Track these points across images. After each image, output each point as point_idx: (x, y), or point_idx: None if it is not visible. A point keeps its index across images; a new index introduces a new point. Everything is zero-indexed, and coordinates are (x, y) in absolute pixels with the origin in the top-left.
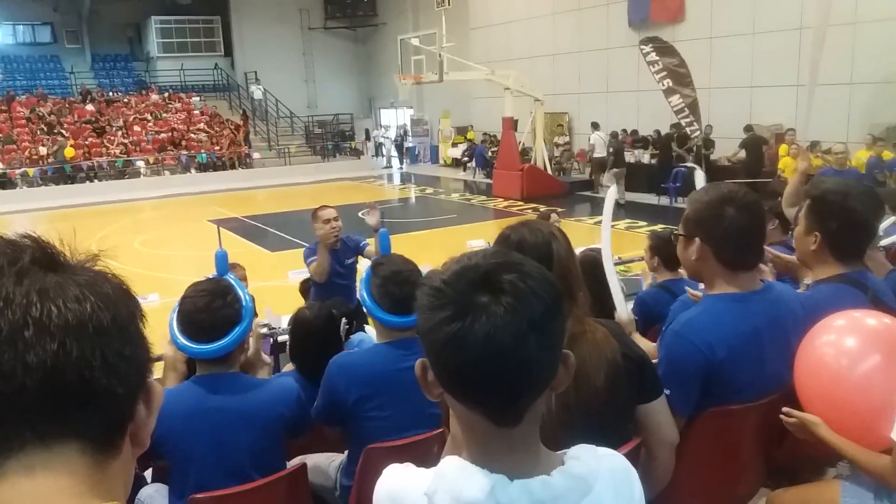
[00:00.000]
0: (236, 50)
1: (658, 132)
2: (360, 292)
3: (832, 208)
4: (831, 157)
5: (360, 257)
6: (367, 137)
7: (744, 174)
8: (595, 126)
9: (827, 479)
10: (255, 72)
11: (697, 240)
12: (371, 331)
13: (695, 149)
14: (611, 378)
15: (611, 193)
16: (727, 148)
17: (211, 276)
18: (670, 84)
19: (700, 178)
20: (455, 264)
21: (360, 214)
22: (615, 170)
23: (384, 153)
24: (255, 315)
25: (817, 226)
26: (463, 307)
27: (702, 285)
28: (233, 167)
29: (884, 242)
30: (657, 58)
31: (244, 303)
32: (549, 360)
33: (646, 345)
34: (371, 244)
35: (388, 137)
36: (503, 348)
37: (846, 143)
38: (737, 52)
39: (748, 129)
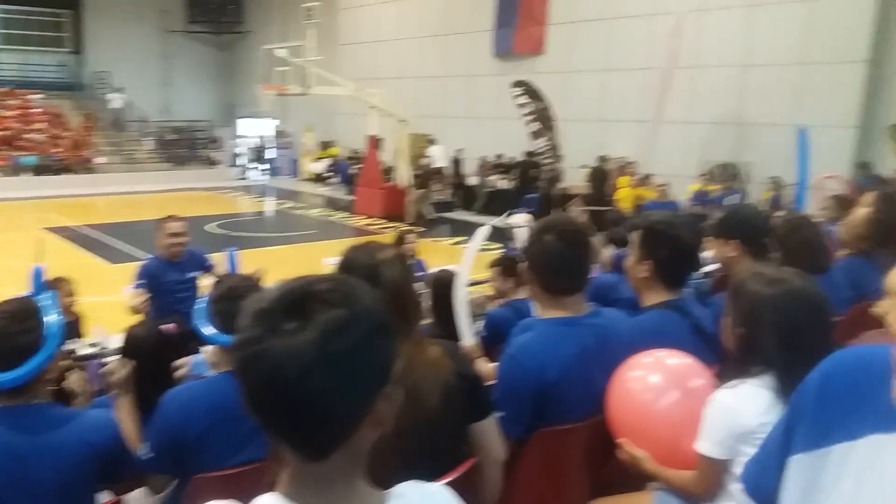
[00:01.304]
0: (88, 47)
1: (513, 159)
2: (200, 316)
3: (660, 238)
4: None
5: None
6: (223, 146)
7: (589, 203)
8: (431, 142)
9: (643, 490)
10: (108, 72)
11: (525, 266)
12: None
13: (547, 181)
14: (445, 398)
15: (482, 231)
16: (580, 177)
17: (24, 295)
18: (539, 127)
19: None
20: (280, 287)
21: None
22: (419, 191)
23: (242, 164)
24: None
25: (649, 255)
26: (267, 331)
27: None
28: (74, 171)
29: (706, 269)
30: (527, 100)
31: (47, 328)
32: (349, 400)
33: (489, 368)
34: (218, 265)
35: (247, 148)
36: (286, 380)
37: (669, 179)
38: (591, 86)
39: (601, 159)
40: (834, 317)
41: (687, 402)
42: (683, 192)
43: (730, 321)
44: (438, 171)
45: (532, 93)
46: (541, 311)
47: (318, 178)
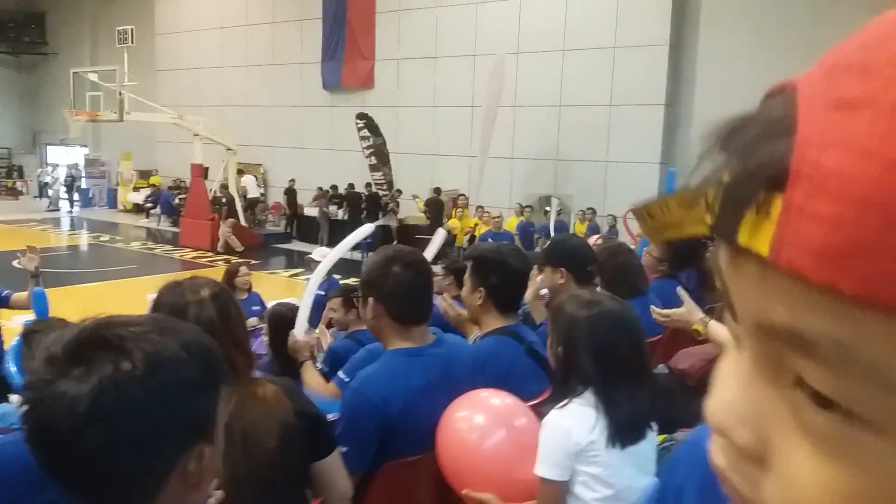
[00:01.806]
0: None
1: (352, 185)
2: (9, 366)
3: (490, 266)
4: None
5: None
6: (28, 176)
7: (426, 231)
8: (241, 171)
9: None
10: None
11: (371, 300)
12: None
13: (387, 212)
14: (283, 439)
15: (321, 266)
16: (412, 208)
17: None
18: (375, 161)
19: (439, 240)
20: (73, 330)
21: (14, 263)
22: (226, 220)
23: (49, 195)
24: None
25: (481, 282)
26: (46, 378)
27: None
28: None
29: (543, 292)
30: (368, 134)
31: None
32: (132, 461)
33: (318, 383)
34: (19, 295)
35: (55, 177)
36: (58, 436)
37: (501, 211)
38: (420, 120)
39: (436, 191)
40: (647, 336)
41: (514, 437)
42: (507, 224)
43: (552, 342)
44: (254, 200)
45: (372, 127)
46: (385, 344)
47: (139, 209)
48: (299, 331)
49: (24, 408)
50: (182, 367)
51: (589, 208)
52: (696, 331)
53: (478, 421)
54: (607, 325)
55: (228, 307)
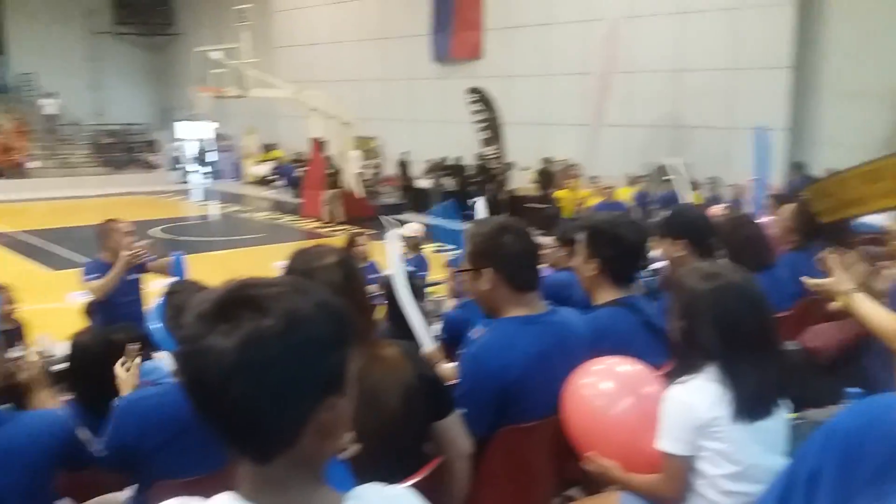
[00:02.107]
0: (12, 49)
1: (457, 160)
2: (153, 322)
3: (605, 237)
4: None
5: (145, 276)
6: (161, 150)
7: (538, 201)
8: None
9: (611, 489)
10: (34, 74)
11: (487, 270)
12: (159, 358)
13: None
14: (406, 400)
15: (391, 235)
16: (523, 179)
17: None
18: (489, 136)
19: (481, 208)
20: (219, 290)
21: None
22: (330, 192)
23: (183, 167)
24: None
25: (595, 253)
26: (197, 332)
27: None
28: (5, 176)
29: (653, 267)
30: (481, 108)
31: None
32: (272, 409)
33: (451, 369)
34: (156, 258)
35: (186, 151)
36: (209, 384)
37: (613, 181)
38: (530, 90)
39: (546, 161)
40: (774, 311)
41: (641, 406)
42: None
43: (672, 316)
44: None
45: (485, 101)
46: (500, 314)
47: (263, 181)
48: (426, 344)
49: (179, 360)
50: (316, 326)
51: (710, 178)
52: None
53: (605, 387)
54: (730, 298)
55: (353, 273)
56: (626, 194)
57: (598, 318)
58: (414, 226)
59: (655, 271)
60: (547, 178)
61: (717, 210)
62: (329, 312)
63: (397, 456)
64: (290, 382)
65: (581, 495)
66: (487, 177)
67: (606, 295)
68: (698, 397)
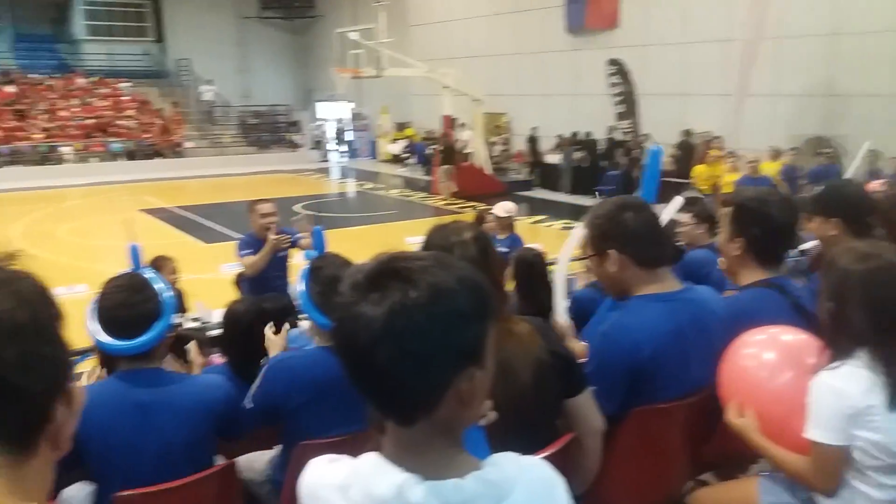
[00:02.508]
0: (168, 36)
1: (589, 134)
2: (299, 294)
3: (752, 215)
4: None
5: (292, 251)
6: (303, 129)
7: (675, 176)
8: (462, 125)
9: (747, 475)
10: (189, 59)
11: (612, 252)
12: (304, 327)
13: (634, 157)
14: (537, 375)
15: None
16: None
17: (127, 271)
18: (624, 109)
19: (674, 206)
20: (371, 261)
21: (292, 219)
22: (443, 167)
23: (323, 146)
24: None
25: (740, 232)
26: (351, 301)
27: None
28: (164, 156)
29: (803, 247)
30: (619, 80)
31: (163, 297)
32: (417, 376)
33: (580, 346)
34: (305, 237)
35: (325, 131)
36: (359, 349)
37: (758, 154)
38: (669, 60)
39: (686, 133)
40: None
41: (801, 380)
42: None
43: (822, 298)
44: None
45: (623, 73)
46: (632, 291)
47: (396, 159)
48: (560, 317)
49: (333, 326)
50: (458, 299)
51: (871, 150)
52: None
53: (767, 358)
54: (886, 280)
55: (487, 248)
56: (770, 168)
57: (740, 299)
58: (507, 205)
59: (804, 251)
60: (687, 151)
61: (875, 185)
62: (470, 287)
63: (528, 429)
64: (431, 350)
65: (715, 480)
66: (622, 152)
67: (751, 275)
68: (851, 384)
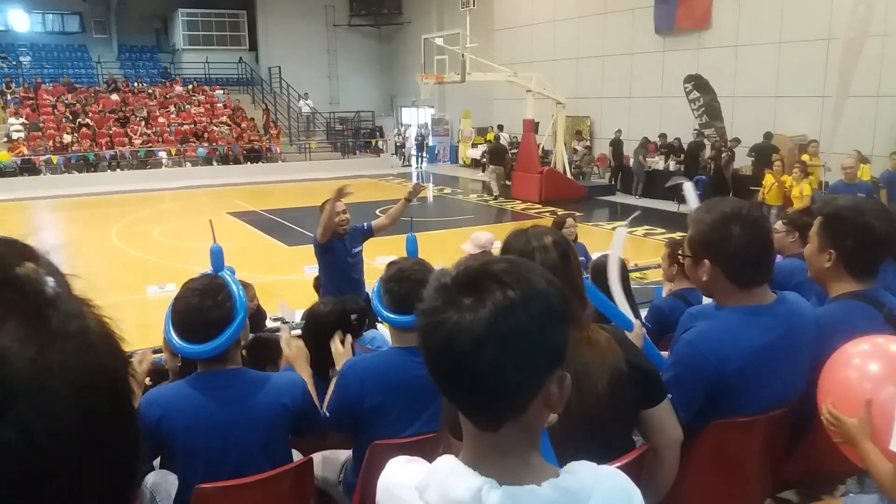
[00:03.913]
0: (261, 44)
1: (678, 139)
2: (376, 296)
3: (847, 226)
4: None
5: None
6: (385, 135)
7: (752, 182)
8: (500, 127)
9: (832, 497)
10: (279, 67)
11: (706, 261)
12: (382, 329)
13: (721, 160)
14: (613, 384)
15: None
16: (745, 156)
17: (206, 272)
18: (706, 119)
19: (690, 193)
20: (459, 265)
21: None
22: (492, 167)
23: (404, 152)
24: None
25: (832, 243)
26: (445, 304)
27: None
28: (254, 161)
29: None
30: (697, 95)
31: (237, 301)
32: (517, 377)
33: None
34: (374, 222)
35: (406, 136)
36: (458, 351)
37: (859, 154)
38: (762, 60)
39: (767, 136)
40: None
41: None
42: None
43: None
44: (505, 149)
45: (701, 86)
46: (722, 301)
47: (476, 164)
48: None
49: (424, 331)
50: (551, 299)
51: None
52: None
53: (873, 370)
54: None
55: (568, 253)
56: (863, 174)
57: (832, 311)
58: (480, 237)
59: None
60: (763, 154)
61: None
62: (557, 288)
63: (603, 439)
64: (531, 351)
65: (797, 499)
66: (710, 156)
67: (843, 287)
68: None
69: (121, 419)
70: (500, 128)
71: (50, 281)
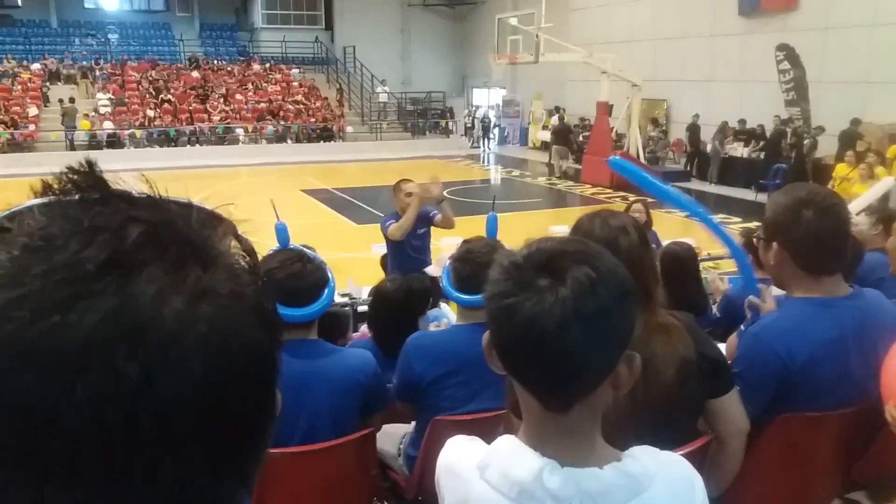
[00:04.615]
0: (336, 24)
1: (762, 126)
2: (444, 274)
3: None
4: None
5: (432, 228)
6: (456, 116)
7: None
8: (557, 109)
9: None
10: (354, 47)
11: (776, 244)
12: (446, 308)
13: (803, 147)
14: (682, 374)
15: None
16: (831, 145)
17: (276, 248)
18: (794, 97)
19: (880, 188)
20: (529, 245)
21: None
22: (556, 147)
23: (474, 133)
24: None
25: None
26: (519, 286)
27: (776, 290)
28: (327, 139)
29: None
30: (788, 66)
31: (327, 269)
32: (598, 357)
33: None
34: (439, 213)
35: (478, 117)
36: (544, 332)
37: None
38: (853, 44)
39: (854, 122)
40: None
41: None
42: None
43: None
44: (569, 129)
45: (792, 58)
46: (790, 292)
47: (546, 146)
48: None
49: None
50: (623, 277)
51: None
52: None
53: None
54: None
55: (646, 238)
56: None
57: None
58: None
59: None
60: (848, 140)
61: None
62: (624, 269)
63: (667, 427)
64: (611, 330)
65: (867, 501)
66: (790, 143)
67: None
68: None
69: (250, 392)
70: (558, 109)
71: (223, 243)
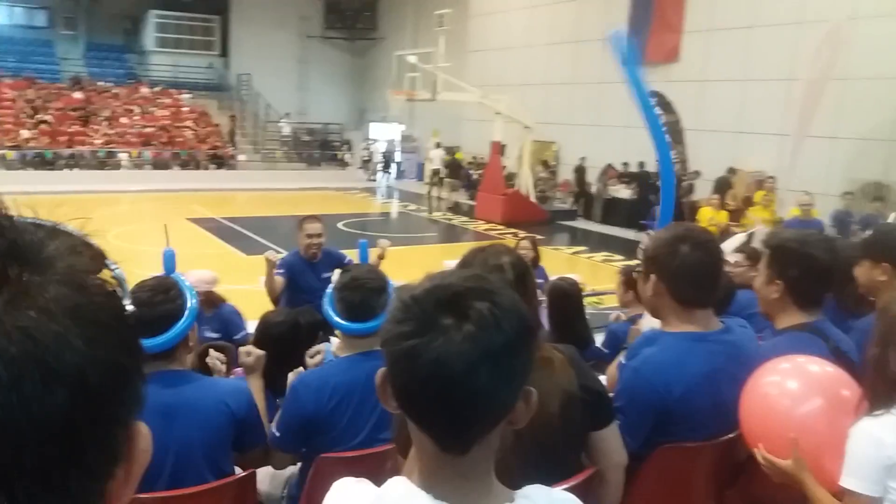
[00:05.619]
0: (233, 51)
1: (642, 165)
2: (328, 302)
3: (792, 257)
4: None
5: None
6: (351, 148)
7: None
8: (438, 145)
9: None
10: (250, 74)
11: (653, 276)
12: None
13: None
14: (565, 406)
15: None
16: (707, 189)
17: (159, 275)
18: (669, 140)
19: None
20: (429, 281)
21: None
22: (448, 180)
23: (371, 167)
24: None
25: (779, 275)
26: (423, 325)
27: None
28: (217, 167)
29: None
30: (660, 112)
31: (187, 299)
32: (503, 395)
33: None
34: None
35: (373, 151)
36: (452, 374)
37: (811, 195)
38: (727, 96)
39: (730, 171)
40: None
41: (827, 412)
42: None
43: (869, 344)
44: (436, 171)
45: (665, 105)
46: (665, 325)
47: (435, 175)
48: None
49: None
50: (524, 314)
51: None
52: None
53: (791, 387)
54: None
55: (525, 274)
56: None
57: (778, 344)
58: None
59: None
60: (723, 187)
61: None
62: (521, 302)
63: (551, 460)
64: (516, 367)
65: None
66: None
67: (790, 319)
68: (891, 434)
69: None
70: (449, 149)
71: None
